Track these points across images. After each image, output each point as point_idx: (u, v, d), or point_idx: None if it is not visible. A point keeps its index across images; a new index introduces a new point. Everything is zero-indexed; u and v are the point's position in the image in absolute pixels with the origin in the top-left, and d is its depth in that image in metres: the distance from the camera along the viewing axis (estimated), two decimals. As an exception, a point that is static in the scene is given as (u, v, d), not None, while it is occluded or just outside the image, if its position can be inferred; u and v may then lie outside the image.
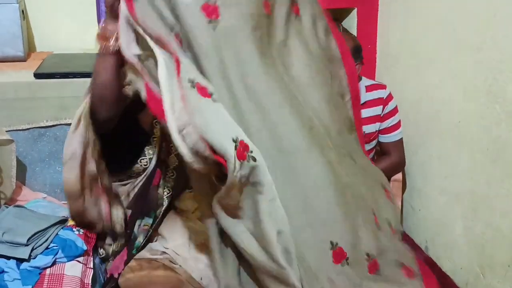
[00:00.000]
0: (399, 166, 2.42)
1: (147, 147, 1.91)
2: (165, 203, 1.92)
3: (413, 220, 2.55)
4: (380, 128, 2.32)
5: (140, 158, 1.89)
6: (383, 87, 2.33)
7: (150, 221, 1.88)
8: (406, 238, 2.54)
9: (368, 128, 2.29)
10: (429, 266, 2.39)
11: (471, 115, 2.06)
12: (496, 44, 1.90)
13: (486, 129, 1.97)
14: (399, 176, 2.42)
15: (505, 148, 1.88)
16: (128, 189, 1.93)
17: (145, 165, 1.89)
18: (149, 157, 1.90)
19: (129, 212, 1.88)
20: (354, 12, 2.86)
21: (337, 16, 3.01)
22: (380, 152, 2.40)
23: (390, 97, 2.32)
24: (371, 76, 2.83)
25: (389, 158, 2.36)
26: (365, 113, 2.27)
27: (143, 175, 1.90)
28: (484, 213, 2.02)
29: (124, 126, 1.81)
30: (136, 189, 1.89)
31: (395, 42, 2.69)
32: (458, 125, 2.15)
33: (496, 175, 1.94)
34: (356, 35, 2.83)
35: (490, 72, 1.94)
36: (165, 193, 1.93)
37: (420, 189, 2.49)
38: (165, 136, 1.92)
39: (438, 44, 2.27)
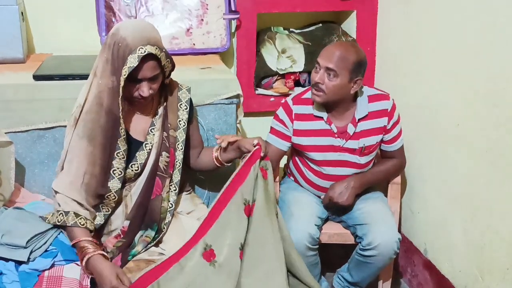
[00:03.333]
0: (401, 168, 2.41)
1: (138, 152, 1.90)
2: (169, 217, 1.92)
3: (412, 223, 2.55)
4: (385, 139, 2.27)
5: (131, 164, 1.89)
6: (386, 97, 2.24)
7: (153, 233, 1.88)
8: (405, 241, 2.54)
9: (368, 141, 2.23)
10: (428, 269, 2.40)
11: (470, 119, 2.07)
12: (496, 48, 1.90)
13: (485, 132, 1.98)
14: (397, 179, 2.41)
15: (504, 151, 1.89)
16: (123, 194, 1.91)
17: (136, 170, 1.89)
18: (140, 162, 1.89)
19: (127, 222, 1.87)
20: (354, 14, 2.86)
21: (336, 18, 3.02)
22: (382, 157, 2.37)
23: (394, 107, 2.24)
24: (370, 79, 2.83)
25: (392, 161, 2.34)
26: (368, 125, 2.21)
27: (138, 182, 1.89)
28: (483, 216, 2.02)
29: (114, 133, 1.82)
30: (134, 198, 1.88)
31: (394, 45, 2.69)
32: (457, 128, 2.15)
33: (495, 178, 1.94)
34: (355, 38, 2.83)
35: (489, 75, 1.94)
36: (169, 207, 1.93)
37: (419, 192, 2.49)
38: (168, 148, 1.92)
39: (438, 47, 2.27)
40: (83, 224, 1.76)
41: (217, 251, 1.76)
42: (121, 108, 1.79)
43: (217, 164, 2.06)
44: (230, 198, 1.79)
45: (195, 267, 1.73)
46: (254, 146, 1.88)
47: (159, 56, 1.78)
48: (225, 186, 1.81)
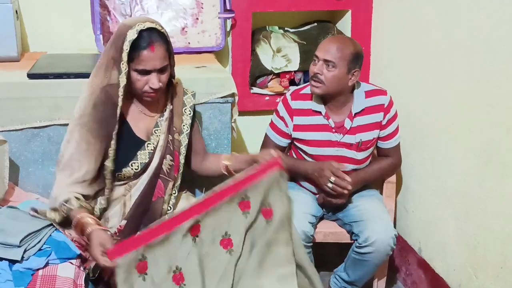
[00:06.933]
0: (397, 167, 2.42)
1: (139, 151, 1.90)
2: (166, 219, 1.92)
3: (406, 221, 2.56)
4: (381, 136, 2.28)
5: (131, 162, 1.89)
6: (383, 93, 2.26)
7: None
8: (399, 240, 2.55)
9: (365, 136, 2.24)
10: (422, 267, 2.40)
11: (464, 117, 2.07)
12: (490, 47, 1.91)
13: (479, 131, 1.98)
14: (392, 177, 2.42)
15: (497, 150, 1.89)
16: (123, 192, 1.91)
17: (136, 169, 1.88)
18: (140, 162, 1.89)
19: (124, 222, 1.86)
20: (349, 14, 2.87)
21: (331, 18, 3.02)
22: (378, 154, 2.38)
23: (391, 103, 2.25)
24: (365, 78, 2.84)
25: (387, 160, 2.34)
26: (364, 120, 2.23)
27: (139, 183, 1.88)
28: (476, 214, 2.02)
29: (118, 131, 1.81)
30: (133, 198, 1.88)
31: (389, 44, 2.70)
32: (451, 127, 2.16)
33: (489, 176, 1.95)
34: (350, 37, 2.84)
35: (483, 74, 1.95)
36: (168, 209, 1.93)
37: (413, 191, 2.49)
38: (172, 152, 1.91)
39: (432, 46, 2.28)
40: (85, 206, 1.75)
41: (202, 228, 1.71)
42: (120, 95, 1.77)
43: (225, 173, 2.01)
44: (236, 192, 1.74)
45: (180, 239, 1.68)
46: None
47: (162, 31, 1.78)
48: (234, 180, 1.75)
